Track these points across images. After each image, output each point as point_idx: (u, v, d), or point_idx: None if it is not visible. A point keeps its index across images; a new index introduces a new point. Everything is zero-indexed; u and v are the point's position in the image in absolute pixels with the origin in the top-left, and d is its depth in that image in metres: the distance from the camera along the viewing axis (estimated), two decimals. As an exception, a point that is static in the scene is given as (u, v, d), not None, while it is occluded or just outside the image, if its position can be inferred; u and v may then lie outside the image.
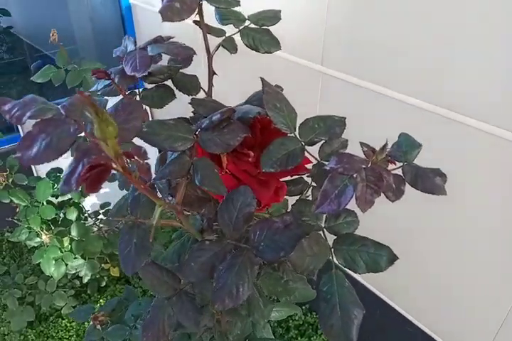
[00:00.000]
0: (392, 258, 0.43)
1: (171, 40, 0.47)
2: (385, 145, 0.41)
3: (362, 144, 0.46)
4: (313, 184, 0.58)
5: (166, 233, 1.98)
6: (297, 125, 0.48)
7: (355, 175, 0.39)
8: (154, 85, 0.53)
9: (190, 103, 0.49)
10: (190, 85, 0.55)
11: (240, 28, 0.59)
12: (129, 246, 0.42)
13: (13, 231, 1.76)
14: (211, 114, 0.45)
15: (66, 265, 1.82)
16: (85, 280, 1.94)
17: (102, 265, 2.03)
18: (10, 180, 1.66)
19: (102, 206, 2.00)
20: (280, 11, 0.61)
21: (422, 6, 0.98)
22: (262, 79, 0.46)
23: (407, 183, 0.45)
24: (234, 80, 1.47)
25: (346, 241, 0.45)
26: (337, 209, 0.38)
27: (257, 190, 0.49)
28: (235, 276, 0.41)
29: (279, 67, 1.40)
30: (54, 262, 1.76)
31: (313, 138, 0.47)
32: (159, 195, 0.52)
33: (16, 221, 1.70)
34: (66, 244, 1.80)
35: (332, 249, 0.45)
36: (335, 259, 0.44)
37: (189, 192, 0.56)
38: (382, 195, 0.42)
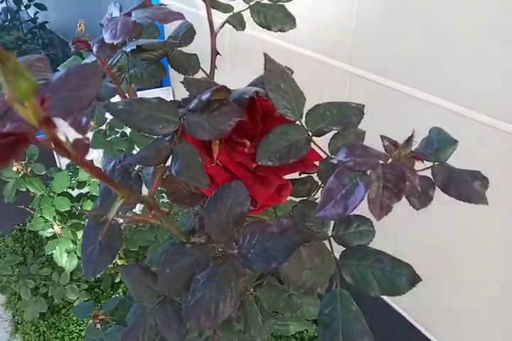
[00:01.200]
0: (414, 280, 0.34)
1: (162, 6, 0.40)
2: (411, 137, 0.33)
3: (383, 138, 0.38)
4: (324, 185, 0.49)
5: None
6: (305, 112, 0.40)
7: (368, 172, 0.30)
8: (145, 62, 0.46)
9: (182, 82, 0.42)
10: (187, 64, 0.48)
11: (251, 3, 0.51)
12: (92, 245, 0.35)
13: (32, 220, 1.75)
14: (201, 94, 0.38)
15: (79, 258, 1.80)
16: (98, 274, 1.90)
17: (117, 260, 1.99)
18: (29, 170, 1.64)
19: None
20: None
21: (456, 8, 0.90)
22: (265, 55, 0.38)
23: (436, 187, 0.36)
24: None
25: (357, 255, 0.36)
26: (342, 214, 0.30)
27: (253, 187, 0.41)
28: (215, 290, 0.34)
29: (304, 66, 1.33)
30: (66, 254, 1.73)
31: (323, 127, 0.38)
32: (145, 190, 0.45)
33: (29, 209, 1.68)
34: (80, 236, 1.77)
35: (338, 263, 0.37)
36: (341, 276, 0.36)
37: (180, 186, 0.49)
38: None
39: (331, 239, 0.40)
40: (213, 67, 0.50)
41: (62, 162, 2.28)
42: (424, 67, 1.03)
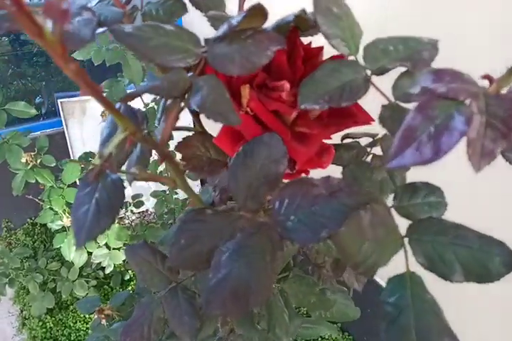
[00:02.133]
0: (511, 261, 0.25)
1: None
2: (518, 62, 0.24)
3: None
4: (373, 151, 0.40)
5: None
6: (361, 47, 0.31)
7: (467, 102, 0.22)
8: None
9: (206, 16, 0.34)
10: (211, 3, 0.40)
11: None
12: (87, 204, 0.27)
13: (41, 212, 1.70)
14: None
15: (89, 254, 1.74)
16: (108, 270, 1.86)
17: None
18: (38, 161, 1.58)
19: (134, 197, 1.91)
20: None
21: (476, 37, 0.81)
22: (314, -30, 0.30)
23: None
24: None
25: (431, 229, 0.27)
26: (433, 158, 0.21)
27: (291, 144, 0.32)
28: (245, 265, 0.25)
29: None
30: (75, 248, 1.67)
31: (386, 64, 0.30)
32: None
33: (38, 200, 1.63)
34: (90, 230, 1.70)
35: (406, 239, 0.28)
36: (410, 255, 0.27)
37: (198, 152, 0.40)
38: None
39: (393, 210, 0.31)
40: (242, 5, 0.42)
41: (76, 154, 2.23)
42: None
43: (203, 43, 0.31)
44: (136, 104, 1.54)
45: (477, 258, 0.26)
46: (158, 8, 0.38)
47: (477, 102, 0.21)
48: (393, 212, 0.31)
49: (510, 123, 0.22)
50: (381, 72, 0.30)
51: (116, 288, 2.07)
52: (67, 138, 2.23)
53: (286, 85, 0.32)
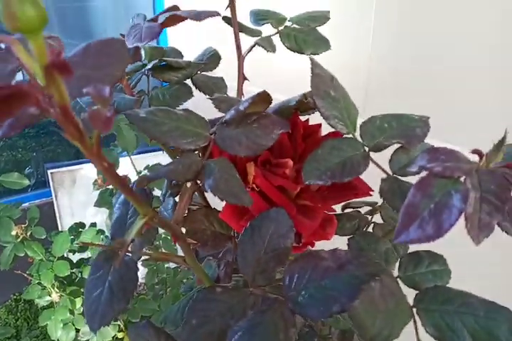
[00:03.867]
0: (519, 328, 0.26)
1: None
2: (503, 140, 0.26)
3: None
4: (374, 220, 0.42)
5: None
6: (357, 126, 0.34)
7: (463, 179, 0.23)
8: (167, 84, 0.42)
9: (211, 98, 0.37)
10: (214, 86, 0.43)
11: (280, 28, 0.48)
12: (99, 287, 0.27)
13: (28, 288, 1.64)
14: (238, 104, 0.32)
15: (77, 331, 1.65)
16: (96, 349, 1.74)
17: (116, 333, 1.83)
18: (28, 233, 1.56)
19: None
20: (329, 11, 0.51)
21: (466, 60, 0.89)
22: (312, 59, 0.33)
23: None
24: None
25: (437, 298, 0.28)
26: (436, 235, 0.22)
27: (296, 218, 0.34)
28: (258, 344, 0.25)
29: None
30: (62, 325, 1.59)
31: (383, 141, 0.32)
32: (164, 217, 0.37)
33: (26, 275, 1.57)
34: (78, 305, 1.63)
35: (414, 309, 0.28)
36: (419, 325, 0.27)
37: (203, 226, 0.41)
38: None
39: (398, 280, 0.31)
40: (240, 91, 0.45)
41: (65, 225, 2.20)
42: (442, 118, 0.99)
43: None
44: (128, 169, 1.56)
45: (484, 326, 0.26)
46: (165, 92, 0.41)
47: (471, 179, 0.23)
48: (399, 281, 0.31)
49: (503, 197, 0.23)
50: (378, 148, 0.32)
51: (104, 367, 1.94)
52: (56, 208, 2.22)
53: (290, 163, 0.34)
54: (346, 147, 0.32)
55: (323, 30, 0.50)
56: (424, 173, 0.25)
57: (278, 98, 0.37)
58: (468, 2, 0.84)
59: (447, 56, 0.92)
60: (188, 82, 0.43)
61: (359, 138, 0.33)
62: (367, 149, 0.32)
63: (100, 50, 0.22)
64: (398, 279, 0.31)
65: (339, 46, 1.16)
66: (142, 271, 1.98)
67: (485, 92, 0.87)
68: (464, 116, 0.93)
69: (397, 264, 0.32)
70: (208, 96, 0.38)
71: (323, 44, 0.46)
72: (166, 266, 1.88)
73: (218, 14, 0.35)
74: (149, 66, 0.40)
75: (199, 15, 0.33)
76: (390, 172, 0.32)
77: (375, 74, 1.11)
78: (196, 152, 0.31)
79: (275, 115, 0.32)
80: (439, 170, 0.23)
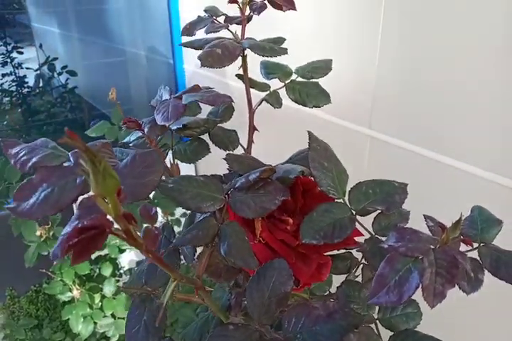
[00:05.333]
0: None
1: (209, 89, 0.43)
2: (460, 220, 0.33)
3: (427, 218, 0.38)
4: (364, 261, 0.49)
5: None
6: (347, 189, 0.41)
7: (421, 258, 0.30)
8: (188, 139, 0.49)
9: (225, 159, 0.44)
10: (228, 140, 0.50)
11: (286, 82, 0.55)
12: (137, 325, 0.34)
13: (50, 282, 1.74)
14: (248, 173, 0.39)
15: (95, 323, 1.75)
16: (113, 340, 1.85)
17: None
18: (51, 233, 1.65)
19: (139, 263, 1.95)
20: (331, 60, 0.57)
21: (474, 74, 0.94)
22: (310, 133, 0.40)
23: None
24: (273, 142, 1.43)
25: (406, 340, 0.35)
26: (397, 302, 0.29)
27: (296, 265, 0.41)
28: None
29: (323, 130, 1.36)
30: (83, 319, 1.69)
31: (367, 206, 0.39)
32: (183, 260, 0.45)
33: (50, 273, 1.68)
34: (97, 300, 1.74)
35: (387, 350, 0.35)
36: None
37: (216, 260, 0.49)
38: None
39: (377, 322, 0.38)
40: (250, 142, 0.52)
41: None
42: (445, 130, 1.04)
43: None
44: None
45: (443, 366, 0.33)
46: (186, 148, 0.48)
47: (428, 257, 0.30)
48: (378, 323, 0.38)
49: (453, 272, 0.30)
50: (363, 213, 0.39)
51: (120, 359, 2.04)
52: (75, 210, 2.31)
53: (290, 220, 0.41)
54: (336, 210, 0.39)
55: (334, 39, 0.56)
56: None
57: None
58: (477, 12, 0.87)
59: (454, 67, 0.96)
60: (206, 137, 0.50)
61: (347, 203, 0.39)
62: (354, 213, 0.39)
63: (143, 160, 0.29)
64: (378, 321, 0.38)
65: (348, 54, 1.22)
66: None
67: (492, 105, 0.91)
68: (466, 128, 0.97)
69: (377, 308, 0.39)
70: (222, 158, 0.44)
71: (325, 98, 0.53)
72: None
73: (231, 100, 0.42)
74: (173, 127, 0.47)
75: (214, 101, 0.39)
76: (373, 233, 0.39)
77: (383, 81, 1.16)
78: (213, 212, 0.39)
79: (278, 182, 0.39)
80: (403, 250, 0.30)
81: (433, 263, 0.30)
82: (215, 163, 0.51)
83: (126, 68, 2.75)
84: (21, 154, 0.29)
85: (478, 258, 0.36)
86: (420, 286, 0.30)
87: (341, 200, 0.40)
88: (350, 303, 0.39)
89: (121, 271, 1.91)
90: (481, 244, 0.37)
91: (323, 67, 0.57)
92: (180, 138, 0.52)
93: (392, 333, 0.36)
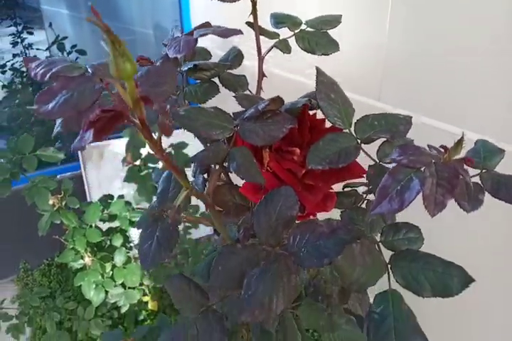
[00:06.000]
0: (466, 280, 0.34)
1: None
2: (462, 138, 0.34)
3: (429, 146, 0.39)
4: (368, 198, 0.50)
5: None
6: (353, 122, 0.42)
7: (422, 169, 0.32)
8: (199, 81, 0.50)
9: (234, 96, 0.45)
10: (237, 84, 0.52)
11: (296, 31, 0.55)
12: (150, 240, 0.37)
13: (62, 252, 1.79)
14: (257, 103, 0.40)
15: (106, 293, 1.80)
16: (123, 310, 1.90)
17: (142, 297, 1.98)
18: (63, 203, 1.69)
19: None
20: (341, 15, 0.58)
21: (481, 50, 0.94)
22: (317, 68, 0.41)
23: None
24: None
25: (407, 257, 0.37)
26: (399, 209, 0.31)
27: (302, 194, 0.42)
28: (268, 284, 0.34)
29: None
30: (94, 286, 1.74)
31: (372, 135, 0.40)
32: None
33: (63, 240, 1.72)
34: (108, 269, 1.78)
35: (389, 266, 0.37)
36: (392, 277, 0.36)
37: (226, 198, 0.51)
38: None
39: (380, 244, 0.40)
40: (259, 87, 0.53)
41: (93, 197, 2.34)
42: (455, 101, 1.05)
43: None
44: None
45: (441, 278, 0.35)
46: (197, 89, 0.50)
47: (429, 169, 0.32)
48: (382, 246, 0.40)
49: (453, 183, 0.32)
50: (368, 141, 0.40)
51: (130, 328, 2.10)
52: (85, 181, 2.35)
53: (297, 151, 0.43)
54: (342, 139, 0.40)
55: (347, 14, 0.57)
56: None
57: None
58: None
59: (463, 37, 0.96)
60: (216, 80, 0.51)
61: (353, 133, 0.41)
62: (359, 141, 0.40)
63: (158, 72, 0.30)
64: (380, 243, 0.40)
65: (359, 27, 1.21)
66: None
67: (502, 75, 0.90)
68: (475, 98, 0.98)
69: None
70: (232, 95, 0.46)
71: (333, 46, 0.54)
72: (188, 237, 2.01)
73: (241, 33, 0.43)
74: (184, 68, 0.48)
75: (225, 34, 0.41)
76: (377, 161, 0.40)
77: (393, 54, 1.16)
78: (223, 141, 0.40)
79: (286, 113, 0.41)
80: (405, 162, 0.32)
81: (434, 174, 0.32)
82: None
83: (135, 47, 2.76)
84: (41, 67, 0.31)
85: (480, 183, 0.38)
86: (422, 198, 0.31)
87: (347, 131, 0.41)
88: (354, 226, 0.40)
89: (132, 245, 1.95)
90: (483, 170, 0.39)
91: (332, 20, 0.58)
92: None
93: (393, 253, 0.38)
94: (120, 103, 0.23)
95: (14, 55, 2.91)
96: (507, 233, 1.00)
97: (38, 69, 0.31)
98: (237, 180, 0.50)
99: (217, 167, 0.40)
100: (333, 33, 0.56)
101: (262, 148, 0.43)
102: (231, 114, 0.47)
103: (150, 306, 2.03)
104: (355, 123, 0.42)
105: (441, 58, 1.04)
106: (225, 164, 0.40)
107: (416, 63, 1.11)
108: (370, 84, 1.27)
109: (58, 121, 0.38)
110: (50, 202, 1.60)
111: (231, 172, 0.36)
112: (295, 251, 0.36)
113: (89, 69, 0.30)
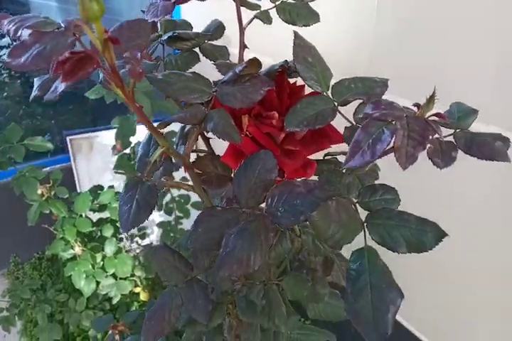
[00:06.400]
0: (439, 235, 0.35)
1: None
2: (433, 94, 0.34)
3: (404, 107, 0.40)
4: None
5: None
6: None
7: (394, 122, 0.32)
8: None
9: (215, 64, 0.45)
10: (218, 53, 0.52)
11: (277, 3, 0.56)
12: (130, 203, 0.37)
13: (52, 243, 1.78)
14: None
15: (97, 284, 1.80)
16: (115, 301, 1.90)
17: (133, 289, 1.99)
18: (52, 193, 1.68)
19: (139, 229, 1.99)
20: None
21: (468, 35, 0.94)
22: (295, 32, 0.41)
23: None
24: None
25: (382, 216, 0.37)
26: (370, 160, 0.31)
27: (281, 158, 0.43)
28: (246, 242, 0.35)
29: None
30: (85, 276, 1.74)
31: (348, 97, 0.41)
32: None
33: (52, 229, 1.71)
34: (98, 260, 1.78)
35: (365, 224, 0.37)
36: (368, 235, 0.37)
37: (208, 169, 0.51)
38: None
39: (357, 204, 0.41)
40: (241, 59, 0.53)
41: (83, 189, 2.34)
42: (445, 85, 1.05)
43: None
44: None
45: (415, 235, 0.35)
46: (177, 58, 0.50)
47: (400, 122, 0.32)
48: (358, 206, 0.41)
49: (424, 135, 0.32)
50: (345, 103, 0.41)
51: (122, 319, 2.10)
52: (75, 172, 2.34)
53: (276, 115, 0.43)
54: (319, 102, 0.40)
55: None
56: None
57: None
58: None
59: (449, 20, 0.97)
60: (197, 50, 0.51)
61: (330, 96, 0.41)
62: (336, 104, 0.41)
63: (131, 27, 0.31)
64: (357, 204, 0.41)
65: (345, 10, 1.21)
66: (157, 232, 2.12)
67: (493, 57, 0.91)
68: (466, 82, 0.98)
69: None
70: (212, 62, 0.46)
71: (314, 17, 0.54)
72: (179, 227, 2.01)
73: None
74: (164, 37, 0.48)
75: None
76: (354, 122, 0.41)
77: (380, 36, 1.16)
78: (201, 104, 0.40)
79: (264, 76, 0.41)
80: (377, 116, 0.32)
81: (405, 127, 0.32)
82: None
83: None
84: (13, 23, 0.31)
85: (454, 141, 0.38)
86: (394, 151, 0.32)
87: (324, 94, 0.41)
88: (331, 187, 0.41)
89: (122, 236, 1.95)
90: (457, 130, 0.39)
91: (313, -9, 0.58)
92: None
93: (369, 211, 0.39)
94: (91, 49, 0.23)
95: (1, 47, 2.88)
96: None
97: (11, 26, 0.31)
98: (220, 152, 0.51)
99: (195, 129, 0.40)
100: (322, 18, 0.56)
101: (241, 113, 0.43)
102: (211, 81, 0.47)
103: (142, 297, 2.03)
104: (333, 86, 0.42)
105: (431, 43, 1.05)
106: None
107: (405, 47, 1.12)
108: (358, 69, 1.27)
109: (36, 85, 0.38)
110: (39, 191, 1.59)
111: (207, 132, 0.37)
112: (273, 211, 0.37)
113: (62, 24, 0.31)
